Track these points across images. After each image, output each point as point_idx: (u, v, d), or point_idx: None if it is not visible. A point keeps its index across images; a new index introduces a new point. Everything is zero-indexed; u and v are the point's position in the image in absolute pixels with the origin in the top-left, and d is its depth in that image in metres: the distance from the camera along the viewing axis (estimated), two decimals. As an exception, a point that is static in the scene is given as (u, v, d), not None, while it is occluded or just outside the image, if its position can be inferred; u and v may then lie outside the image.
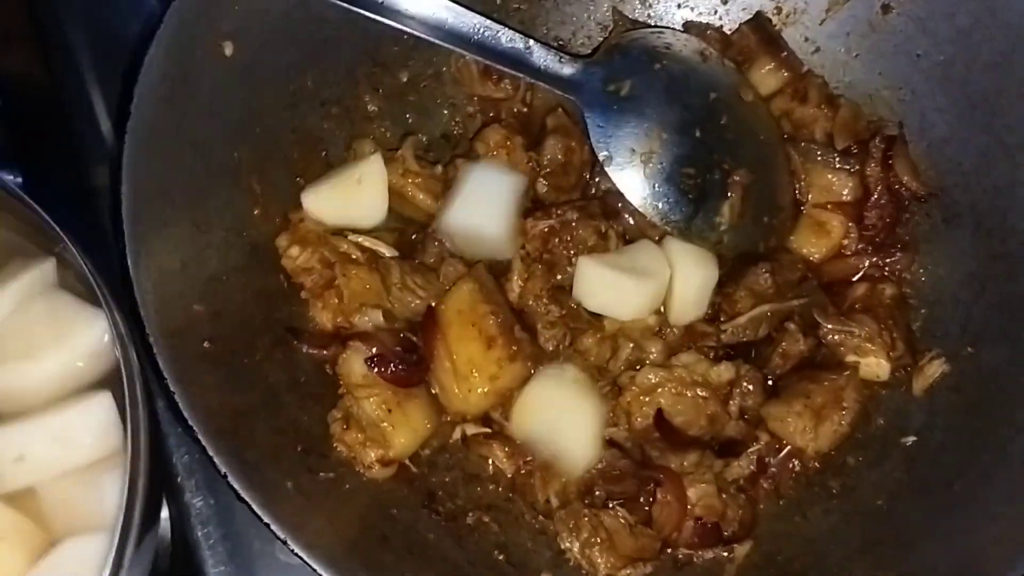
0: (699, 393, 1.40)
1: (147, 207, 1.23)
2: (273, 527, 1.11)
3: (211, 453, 1.12)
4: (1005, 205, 1.44)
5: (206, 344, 1.26)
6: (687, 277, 1.47)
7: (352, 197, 1.48)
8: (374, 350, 1.38)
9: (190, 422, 1.12)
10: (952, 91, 1.50)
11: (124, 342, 1.14)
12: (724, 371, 1.41)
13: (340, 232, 1.49)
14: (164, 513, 1.46)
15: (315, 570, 1.11)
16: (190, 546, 1.42)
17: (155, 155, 1.26)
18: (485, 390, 1.40)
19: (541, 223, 1.46)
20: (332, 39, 1.51)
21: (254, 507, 1.11)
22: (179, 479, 1.43)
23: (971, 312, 1.46)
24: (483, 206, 1.47)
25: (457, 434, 1.45)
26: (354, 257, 1.48)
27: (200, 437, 1.12)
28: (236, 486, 1.11)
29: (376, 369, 1.37)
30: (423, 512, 1.38)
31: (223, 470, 1.12)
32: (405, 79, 1.61)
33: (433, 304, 1.43)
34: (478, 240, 1.47)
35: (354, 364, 1.38)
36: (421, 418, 1.39)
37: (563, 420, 1.41)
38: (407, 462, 1.41)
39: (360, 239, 1.49)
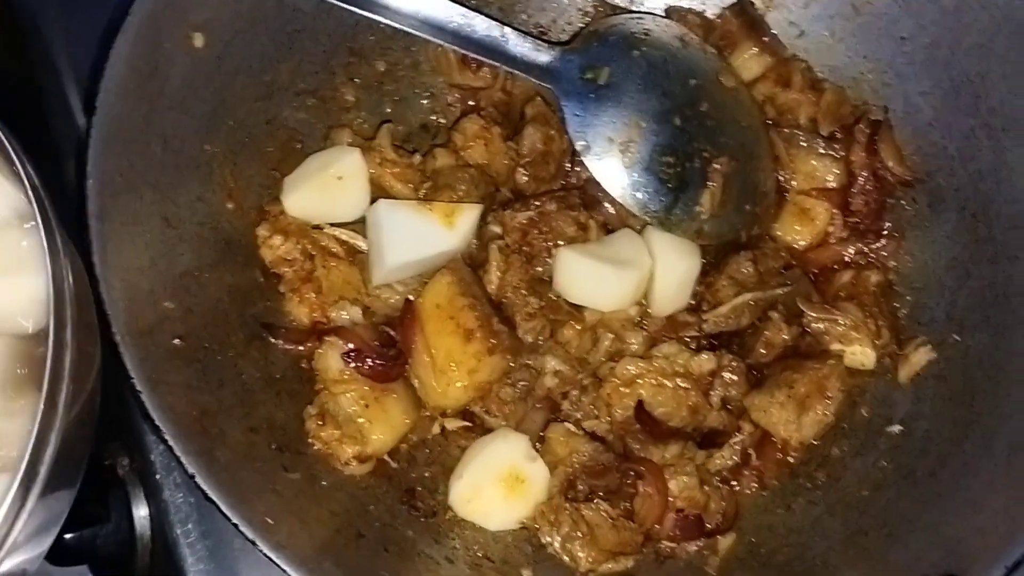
0: (680, 384, 1.39)
1: (114, 203, 1.21)
2: (242, 528, 1.10)
3: (178, 453, 1.11)
4: (990, 189, 1.42)
5: (177, 341, 1.24)
6: (670, 267, 1.45)
7: (333, 194, 1.46)
8: (351, 345, 1.37)
9: (156, 422, 1.11)
10: (937, 74, 1.48)
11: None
12: (705, 361, 1.39)
13: (317, 225, 1.48)
14: (143, 511, 1.44)
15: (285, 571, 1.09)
16: (169, 544, 1.40)
17: (122, 149, 1.24)
18: (464, 384, 1.38)
19: (520, 215, 1.44)
20: (306, 29, 1.49)
21: (222, 508, 1.10)
22: (157, 476, 1.41)
23: (956, 298, 1.44)
24: (407, 240, 1.42)
25: (436, 429, 1.44)
26: (334, 250, 1.46)
27: (167, 437, 1.11)
28: (204, 487, 1.10)
29: (353, 364, 1.36)
30: (401, 508, 1.37)
31: (190, 471, 1.10)
32: (383, 68, 1.59)
33: (411, 298, 1.41)
34: (421, 264, 1.44)
35: (331, 359, 1.37)
36: (399, 413, 1.38)
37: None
38: (386, 457, 1.40)
39: (337, 232, 1.48)
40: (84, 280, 1.13)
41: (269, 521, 1.14)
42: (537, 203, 1.44)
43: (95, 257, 1.16)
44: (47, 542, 1.15)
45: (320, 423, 1.35)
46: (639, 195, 1.44)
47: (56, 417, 0.97)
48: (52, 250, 1.02)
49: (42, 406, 0.95)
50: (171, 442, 1.11)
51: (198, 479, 1.10)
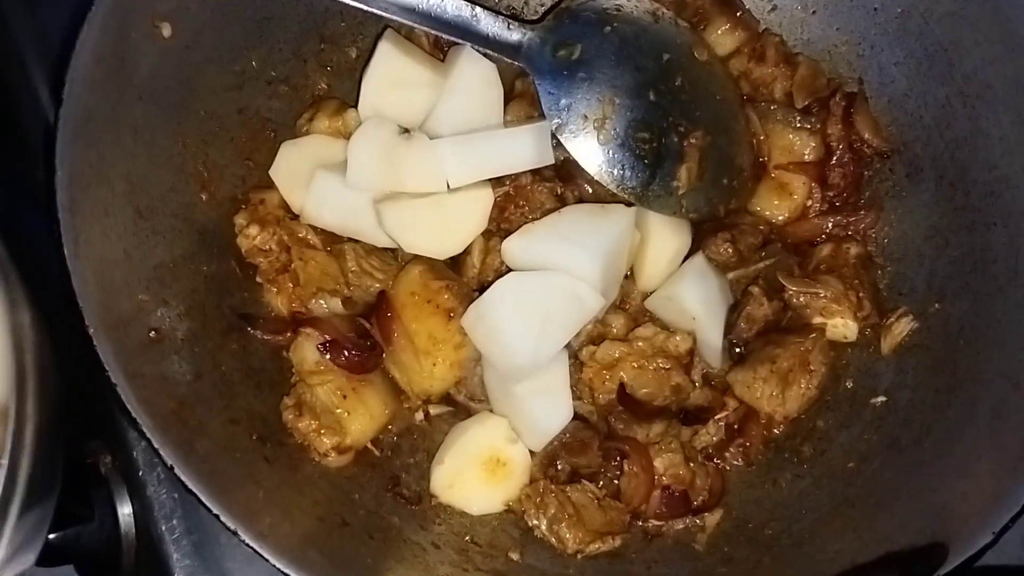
0: (661, 364, 1.38)
1: (84, 195, 1.20)
2: (223, 518, 1.09)
3: (156, 445, 1.10)
4: (967, 157, 1.42)
5: (152, 334, 1.23)
6: (661, 244, 1.44)
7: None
8: (327, 336, 1.36)
9: (132, 414, 1.10)
10: (910, 43, 1.48)
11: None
12: (681, 341, 1.39)
13: (296, 216, 1.47)
14: (126, 509, 1.44)
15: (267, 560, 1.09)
16: (154, 541, 1.39)
17: (91, 141, 1.23)
18: (451, 361, 1.39)
19: (496, 191, 1.42)
20: (276, 17, 1.48)
21: (202, 498, 1.09)
22: (140, 473, 1.40)
23: (936, 267, 1.44)
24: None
25: (420, 416, 1.44)
26: (311, 242, 1.45)
27: (144, 429, 1.10)
28: (183, 477, 1.09)
29: (329, 355, 1.35)
30: (386, 496, 1.37)
31: (169, 462, 1.09)
32: (354, 55, 1.58)
33: (385, 289, 1.40)
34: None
35: (306, 351, 1.36)
36: (378, 403, 1.38)
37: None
38: (369, 446, 1.39)
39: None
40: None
41: (251, 511, 1.13)
42: (511, 178, 1.43)
43: (66, 250, 1.14)
44: (35, 549, 1.14)
45: (297, 414, 1.34)
46: (616, 172, 1.43)
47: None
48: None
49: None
50: (148, 434, 1.10)
51: (177, 470, 1.09)
